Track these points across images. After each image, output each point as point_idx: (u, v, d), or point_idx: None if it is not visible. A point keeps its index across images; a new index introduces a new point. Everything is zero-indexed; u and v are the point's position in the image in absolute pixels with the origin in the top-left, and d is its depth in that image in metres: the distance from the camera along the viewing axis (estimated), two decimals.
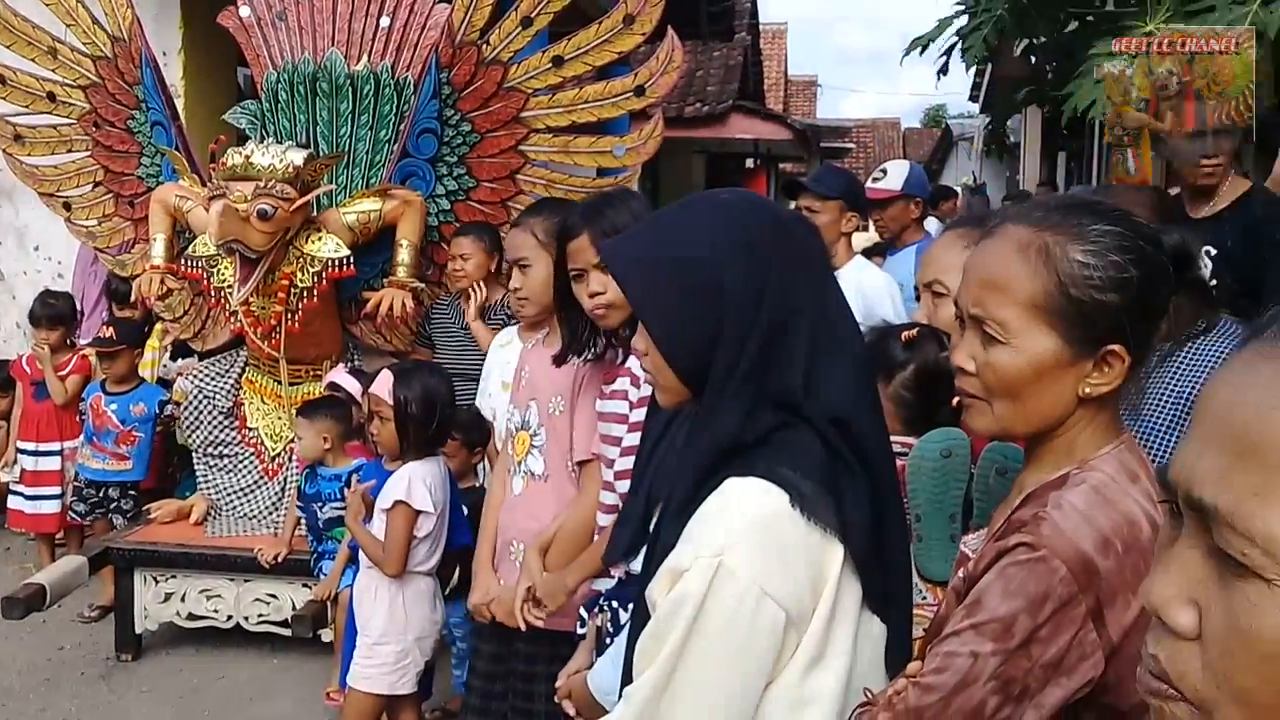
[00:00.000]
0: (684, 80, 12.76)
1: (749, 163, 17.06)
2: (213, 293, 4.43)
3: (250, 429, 4.63)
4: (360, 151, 4.56)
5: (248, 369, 4.65)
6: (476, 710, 2.92)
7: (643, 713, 1.35)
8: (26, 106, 4.98)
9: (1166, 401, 2.33)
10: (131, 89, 4.80)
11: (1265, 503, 0.62)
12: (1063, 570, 1.24)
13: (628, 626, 1.79)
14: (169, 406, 5.05)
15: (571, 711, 2.18)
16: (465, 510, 3.51)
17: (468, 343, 4.31)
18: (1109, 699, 1.26)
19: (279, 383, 4.54)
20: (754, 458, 1.38)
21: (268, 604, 4.37)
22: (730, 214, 1.48)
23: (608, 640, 2.27)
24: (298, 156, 4.00)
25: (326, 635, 4.11)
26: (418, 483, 3.26)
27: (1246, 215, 3.42)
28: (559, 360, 2.63)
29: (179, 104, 5.34)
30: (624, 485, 2.39)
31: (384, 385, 3.28)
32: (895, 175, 4.68)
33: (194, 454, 4.68)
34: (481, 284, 4.29)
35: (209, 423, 4.59)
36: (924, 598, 2.01)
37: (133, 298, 4.90)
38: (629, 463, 2.35)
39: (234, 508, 4.57)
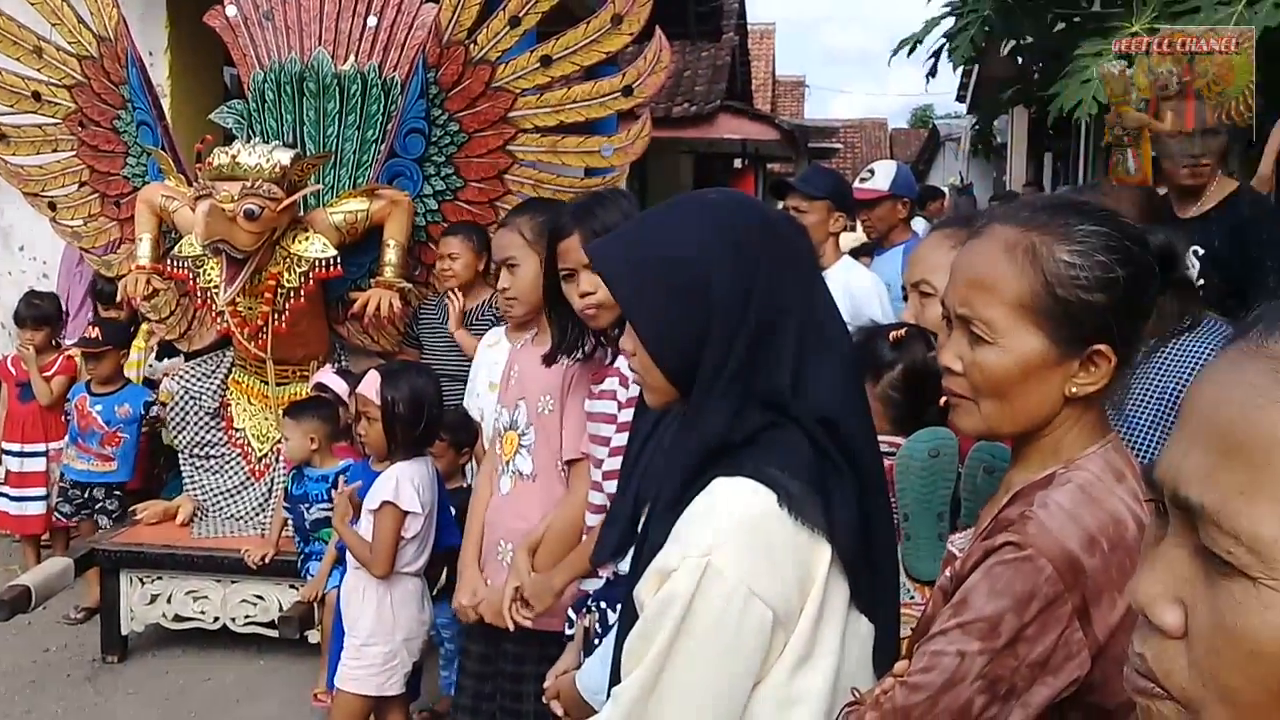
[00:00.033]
0: (672, 80, 12.76)
1: (737, 163, 17.08)
2: (199, 293, 4.41)
3: (237, 430, 4.61)
4: (347, 151, 4.55)
5: (234, 369, 4.64)
6: (468, 710, 2.92)
7: (630, 713, 1.35)
8: (11, 106, 4.95)
9: (1150, 398, 2.34)
10: (117, 88, 4.78)
11: (1251, 501, 0.62)
12: (1049, 569, 1.24)
13: (616, 627, 1.79)
14: (154, 407, 5.03)
15: (560, 712, 2.18)
16: (453, 511, 3.50)
17: (455, 343, 4.30)
18: (1095, 698, 1.27)
19: (266, 383, 4.53)
20: (742, 458, 1.38)
21: (254, 605, 4.35)
22: (718, 214, 1.48)
23: (596, 641, 2.27)
24: (284, 156, 3.99)
25: (313, 636, 4.10)
26: (405, 483, 3.26)
27: (1234, 215, 3.43)
28: (549, 360, 2.63)
29: (165, 104, 5.32)
30: (612, 485, 2.39)
31: (371, 386, 3.28)
32: (882, 175, 4.69)
33: (180, 455, 4.66)
34: (459, 292, 4.28)
35: (195, 423, 4.58)
36: (912, 597, 2.02)
37: (118, 298, 4.88)
38: (617, 463, 2.35)
39: (220, 509, 4.55)
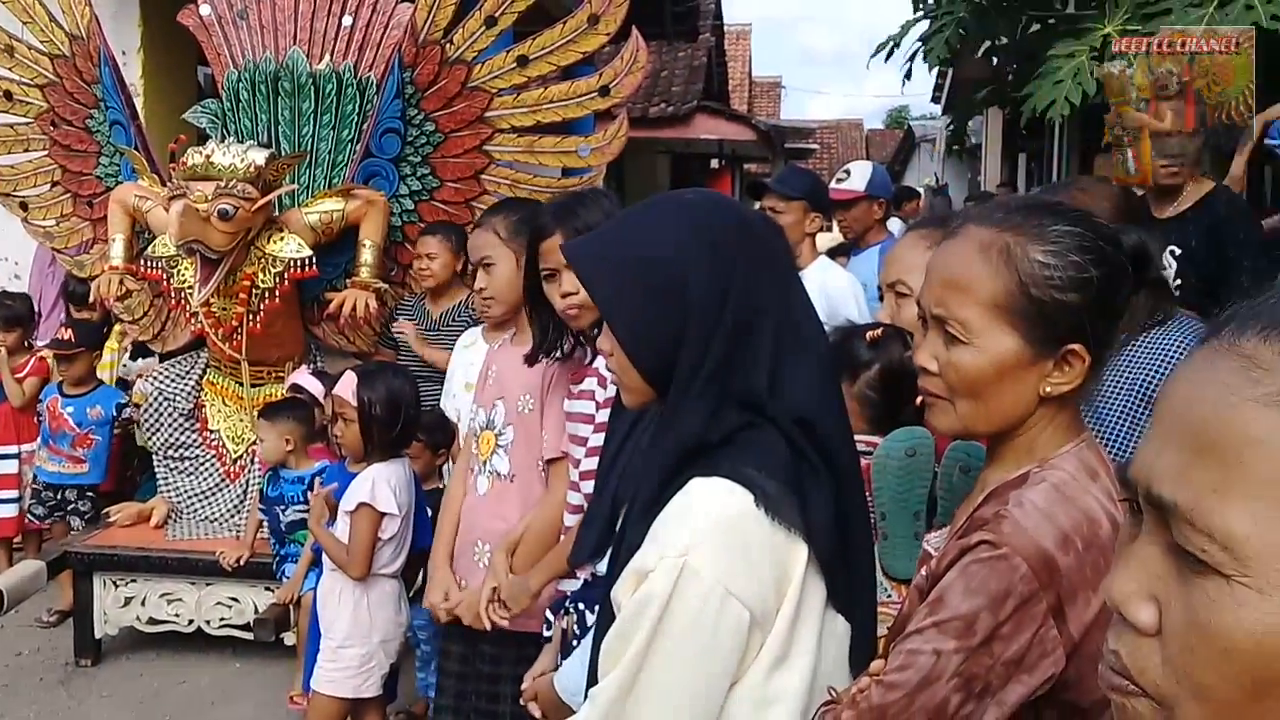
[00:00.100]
0: (649, 81, 12.78)
1: (713, 163, 17.09)
2: (173, 294, 4.39)
3: (211, 431, 4.59)
4: (322, 151, 4.53)
5: (209, 370, 4.61)
6: (450, 710, 2.91)
7: (608, 713, 1.35)
8: None
9: (1120, 391, 2.36)
10: (90, 88, 4.74)
11: (1224, 499, 0.62)
12: (1024, 568, 1.25)
13: (594, 628, 1.79)
14: (127, 409, 5.00)
15: (538, 714, 2.17)
16: (430, 512, 3.49)
17: (432, 344, 4.29)
18: (1070, 696, 1.27)
19: (240, 384, 4.50)
20: (718, 458, 1.38)
21: (229, 607, 4.33)
22: (695, 214, 1.48)
23: (574, 642, 2.26)
24: (259, 156, 3.97)
25: (289, 639, 4.08)
26: (382, 485, 3.25)
27: (1210, 215, 3.46)
28: (530, 359, 2.63)
29: (138, 103, 5.28)
30: (589, 485, 2.39)
31: (348, 387, 3.26)
32: (859, 176, 4.70)
33: (154, 456, 4.63)
34: (411, 335, 4.26)
35: (169, 425, 4.55)
36: (888, 595, 2.02)
37: (91, 299, 4.85)
38: (594, 463, 2.35)
39: (195, 511, 4.52)
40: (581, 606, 2.29)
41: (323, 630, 3.35)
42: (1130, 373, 2.35)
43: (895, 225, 6.91)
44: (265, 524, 4.13)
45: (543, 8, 4.94)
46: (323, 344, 4.64)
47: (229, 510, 4.50)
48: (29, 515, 5.09)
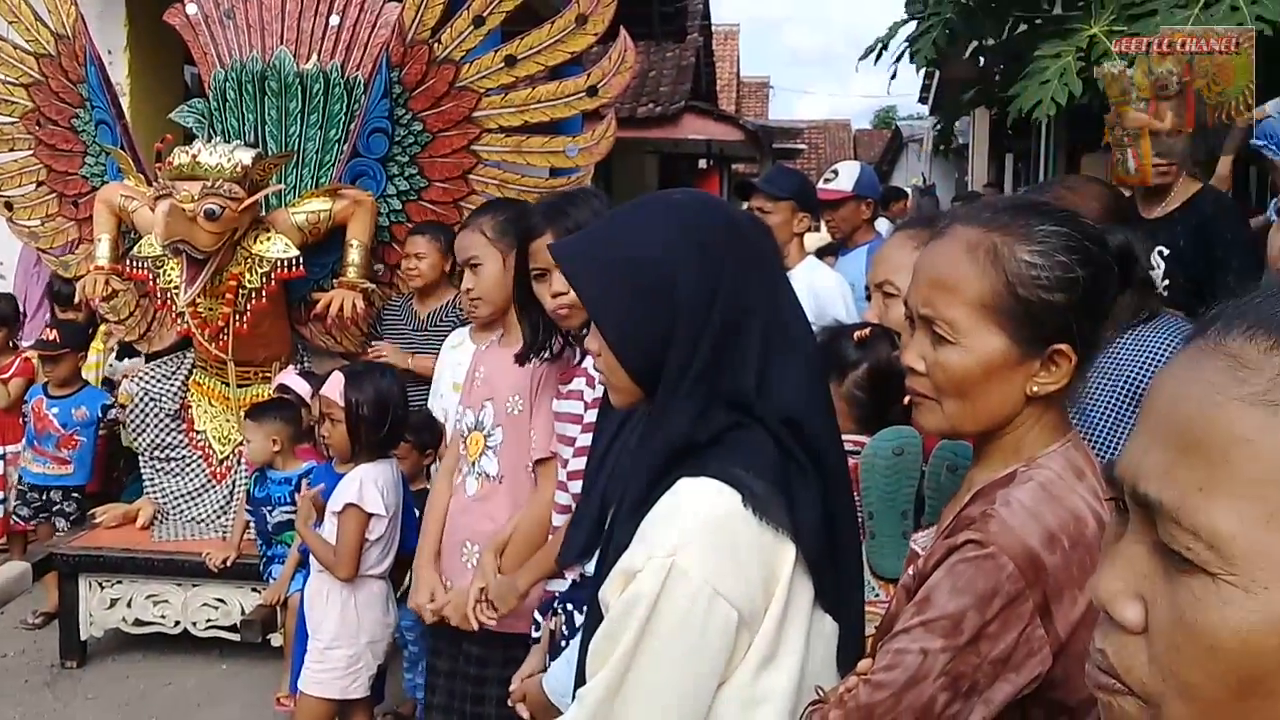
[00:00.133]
0: (637, 81, 12.76)
1: (702, 163, 17.09)
2: (159, 294, 4.37)
3: (198, 432, 4.57)
4: (310, 151, 4.52)
5: (195, 371, 4.59)
6: (441, 709, 2.90)
7: (596, 714, 1.35)
8: None
9: (1104, 388, 2.36)
10: (75, 87, 4.72)
11: (1209, 498, 0.63)
12: (1010, 567, 1.25)
13: (582, 628, 1.79)
14: (113, 410, 4.98)
15: (526, 715, 2.17)
16: (418, 513, 3.48)
17: (419, 344, 4.28)
18: (1057, 694, 1.28)
19: (227, 385, 4.49)
20: (706, 458, 1.38)
21: (216, 609, 4.31)
22: (683, 214, 1.48)
23: (563, 643, 2.26)
24: (246, 156, 3.95)
25: (276, 640, 4.07)
26: (369, 485, 3.24)
27: (1198, 215, 3.46)
28: (521, 359, 2.62)
29: (124, 102, 5.25)
30: (577, 485, 2.39)
31: (335, 387, 3.25)
32: (846, 176, 4.71)
33: (140, 457, 4.61)
34: (389, 352, 4.22)
35: (155, 426, 4.53)
36: (876, 594, 2.03)
37: (76, 299, 4.83)
38: (582, 463, 2.35)
39: (181, 512, 4.50)
40: (570, 607, 2.29)
41: (310, 631, 3.34)
42: (1115, 370, 2.36)
43: (883, 225, 6.93)
44: (252, 525, 4.12)
45: (531, 8, 4.93)
46: (310, 344, 4.62)
47: (215, 511, 4.48)
48: (14, 516, 5.07)
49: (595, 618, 1.46)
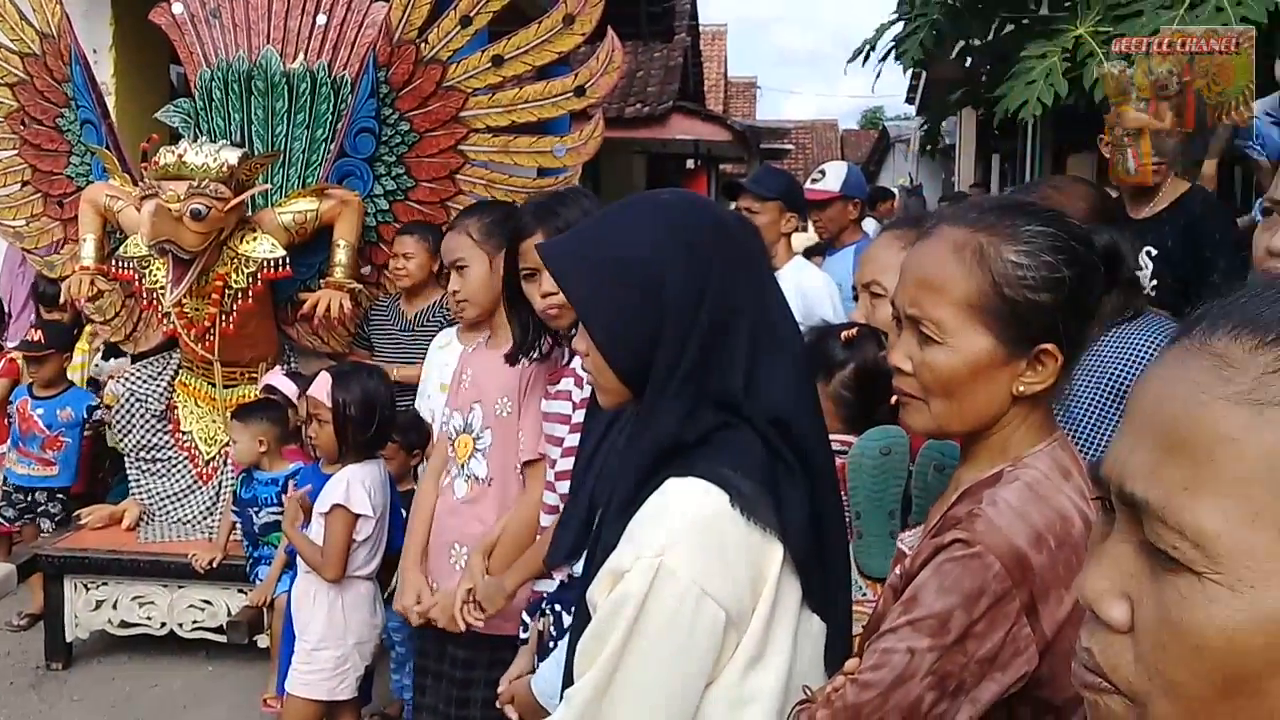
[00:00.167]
0: (624, 81, 12.77)
1: (689, 163, 17.10)
2: (145, 294, 4.36)
3: (184, 433, 4.55)
4: (296, 151, 4.51)
5: (181, 372, 4.57)
6: (430, 709, 2.90)
7: (583, 714, 1.35)
8: None
9: (1088, 385, 2.37)
10: (60, 86, 4.70)
11: (1195, 496, 0.63)
12: (997, 566, 1.26)
13: (570, 629, 1.78)
14: (98, 411, 4.96)
15: (515, 717, 2.17)
16: (405, 514, 3.48)
17: (406, 344, 4.27)
18: (1043, 693, 1.28)
19: (213, 385, 4.47)
20: (694, 458, 1.38)
21: (202, 610, 4.30)
22: (671, 214, 1.48)
23: (551, 644, 2.26)
24: (232, 155, 3.94)
25: (262, 641, 4.05)
26: (356, 486, 3.23)
27: (1186, 215, 3.48)
28: (512, 359, 2.62)
29: (110, 102, 5.23)
30: (565, 486, 2.39)
31: (322, 388, 3.24)
32: (833, 176, 4.72)
33: (126, 458, 4.59)
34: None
35: (141, 426, 4.51)
36: (863, 594, 2.03)
37: (62, 300, 4.80)
38: (570, 463, 2.35)
39: (167, 513, 4.49)
40: (558, 608, 2.29)
41: (297, 633, 3.33)
42: (1098, 368, 2.36)
43: (870, 225, 6.94)
44: (238, 526, 4.10)
45: (518, 7, 4.93)
46: (297, 345, 4.61)
47: (202, 512, 4.47)
48: None
49: (583, 618, 1.46)
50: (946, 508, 1.39)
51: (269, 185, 4.32)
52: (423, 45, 4.30)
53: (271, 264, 4.13)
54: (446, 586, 2.76)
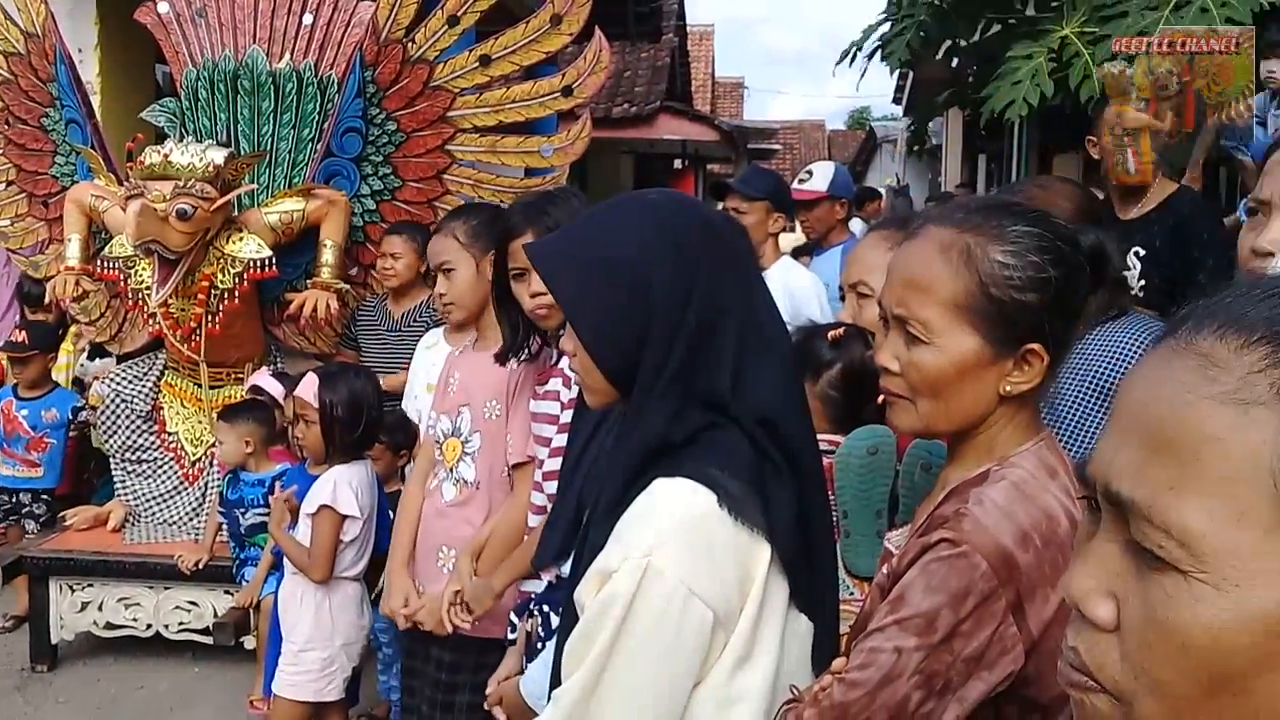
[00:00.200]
0: (612, 81, 12.77)
1: (677, 163, 17.10)
2: (130, 294, 4.34)
3: (170, 433, 4.54)
4: (283, 150, 4.49)
5: (167, 372, 4.56)
6: (415, 711, 2.89)
7: (571, 714, 1.35)
8: None
9: (1073, 383, 2.38)
10: (45, 86, 4.68)
11: (1180, 496, 0.63)
12: (983, 565, 1.26)
13: (558, 630, 1.78)
14: (83, 412, 4.93)
15: (503, 718, 2.16)
16: (392, 514, 3.47)
17: (394, 345, 4.26)
18: (1030, 692, 1.28)
19: (199, 386, 4.45)
20: (682, 458, 1.38)
21: (188, 611, 4.28)
22: (659, 214, 1.48)
23: (539, 645, 2.25)
24: (218, 155, 3.93)
25: (249, 642, 4.04)
26: (343, 487, 3.22)
27: (1174, 215, 3.48)
28: (501, 360, 2.61)
29: (95, 101, 5.21)
30: (552, 486, 2.39)
31: (309, 388, 3.24)
32: (821, 176, 4.72)
33: (111, 459, 4.57)
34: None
35: (126, 427, 4.49)
36: (851, 593, 2.03)
37: (47, 300, 4.78)
38: (558, 464, 2.34)
39: (153, 514, 4.47)
40: (546, 609, 2.29)
41: (284, 634, 3.32)
42: (1083, 367, 2.37)
43: (857, 226, 6.97)
44: (225, 527, 4.09)
45: (505, 7, 4.93)
46: (283, 345, 4.60)
47: (188, 513, 4.45)
48: None
49: (571, 619, 1.46)
50: (933, 507, 1.39)
51: (255, 185, 4.31)
52: (410, 45, 4.30)
53: (258, 264, 4.12)
54: (434, 590, 2.75)
